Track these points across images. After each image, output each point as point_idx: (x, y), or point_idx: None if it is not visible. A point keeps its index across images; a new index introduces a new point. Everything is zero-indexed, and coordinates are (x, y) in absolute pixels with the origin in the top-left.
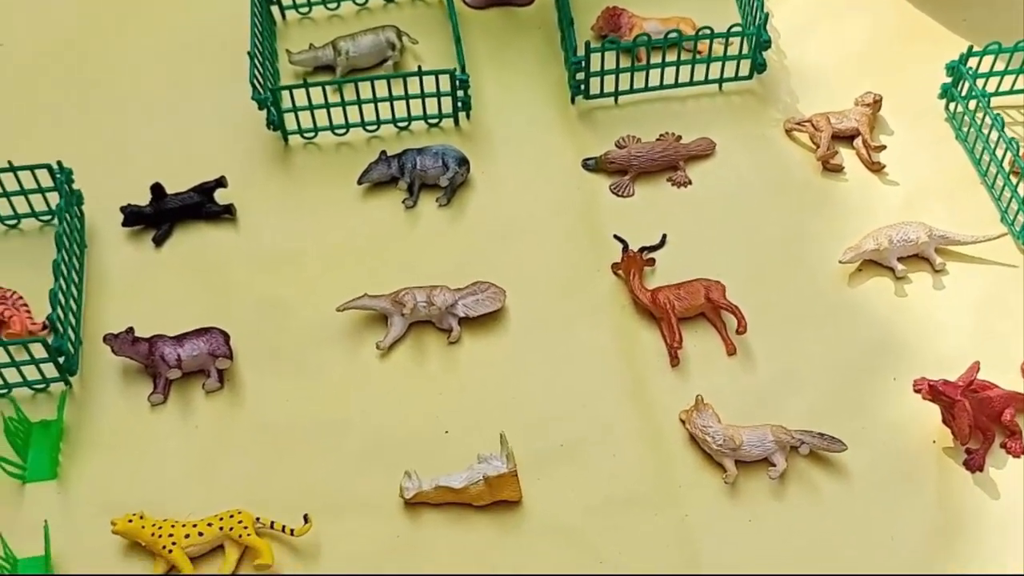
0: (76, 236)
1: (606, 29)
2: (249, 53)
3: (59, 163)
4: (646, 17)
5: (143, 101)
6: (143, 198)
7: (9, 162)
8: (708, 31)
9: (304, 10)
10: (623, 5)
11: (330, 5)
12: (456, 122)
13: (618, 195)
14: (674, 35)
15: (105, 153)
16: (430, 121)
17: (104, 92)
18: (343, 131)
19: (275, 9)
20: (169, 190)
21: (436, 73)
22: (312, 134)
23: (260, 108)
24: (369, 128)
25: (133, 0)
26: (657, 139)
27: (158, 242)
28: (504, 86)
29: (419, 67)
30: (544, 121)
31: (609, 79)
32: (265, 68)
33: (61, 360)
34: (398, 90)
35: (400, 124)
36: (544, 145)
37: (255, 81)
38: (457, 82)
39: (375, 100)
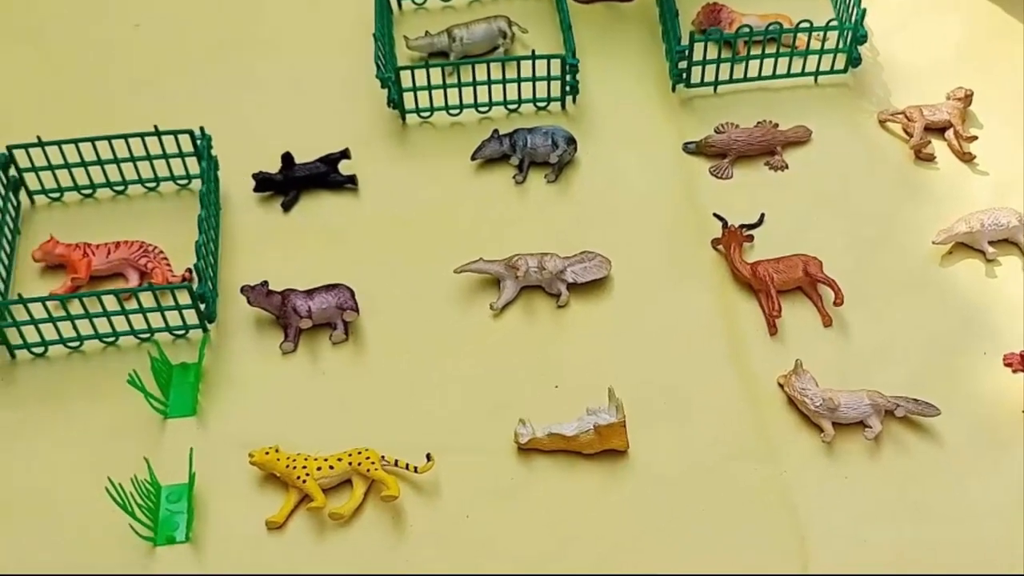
0: (214, 198)
1: (706, 24)
2: (374, 35)
3: (201, 129)
4: (745, 13)
5: (274, 78)
6: (271, 166)
7: (155, 126)
8: (808, 23)
9: (420, 1)
10: (722, 1)
11: None
12: (563, 106)
13: (717, 177)
14: (775, 27)
15: (238, 124)
16: (539, 104)
17: (237, 69)
18: (457, 111)
19: (393, 1)
20: (296, 160)
21: (548, 58)
22: (428, 113)
23: (383, 87)
24: (481, 109)
25: None
26: (755, 125)
27: (286, 207)
28: (607, 74)
29: (533, 51)
30: (646, 107)
31: (709, 69)
32: (387, 51)
33: (202, 307)
34: (510, 74)
35: (510, 106)
36: (646, 129)
37: (379, 62)
38: (567, 67)
39: (489, 83)
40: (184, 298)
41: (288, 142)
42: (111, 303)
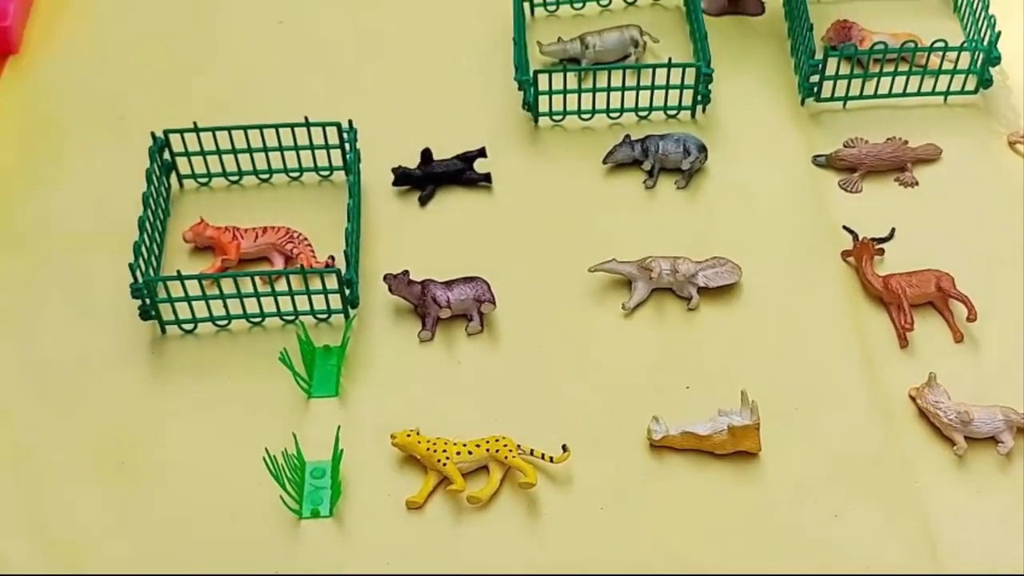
0: (356, 185)
1: (836, 40)
2: (514, 39)
3: (349, 122)
4: (875, 31)
5: (414, 76)
6: (410, 161)
7: (305, 117)
8: (943, 43)
9: (552, 8)
10: (853, 19)
11: (576, 5)
12: (693, 114)
13: (847, 191)
14: (910, 45)
15: (378, 119)
16: (668, 112)
17: (379, 66)
18: (588, 116)
19: (526, 6)
20: (434, 156)
21: (684, 66)
22: (560, 117)
23: (519, 89)
24: (612, 115)
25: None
26: (885, 141)
27: (423, 202)
28: (736, 84)
29: (669, 59)
30: (775, 119)
31: (840, 84)
32: (523, 53)
33: (348, 292)
34: (644, 81)
35: (641, 113)
36: (775, 140)
37: (518, 64)
38: (701, 76)
39: (623, 89)
40: (331, 283)
41: (426, 138)
42: (260, 284)
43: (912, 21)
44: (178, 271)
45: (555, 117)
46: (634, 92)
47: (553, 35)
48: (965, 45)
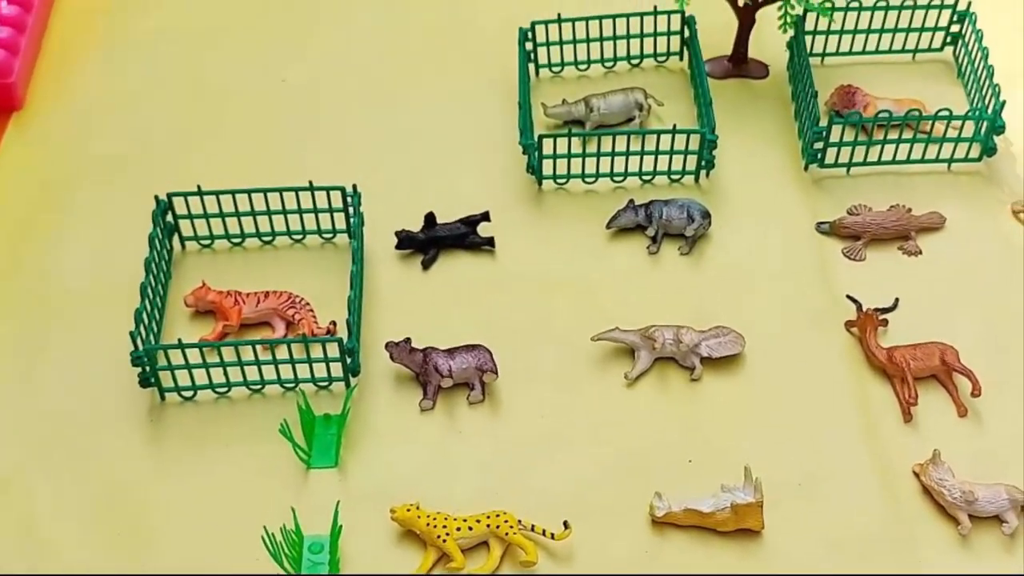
0: (359, 254)
1: (839, 105)
2: (519, 102)
3: (354, 186)
4: (880, 97)
5: (419, 137)
6: (412, 223)
7: (310, 181)
8: (947, 112)
9: (557, 69)
10: (857, 84)
11: (580, 66)
12: (696, 179)
13: (851, 259)
14: (915, 113)
15: (382, 181)
16: (672, 176)
17: (384, 127)
18: (592, 179)
19: (531, 67)
20: (438, 219)
21: (688, 132)
22: (564, 180)
23: (524, 153)
24: (616, 179)
25: (412, 49)
26: (889, 209)
27: (426, 265)
28: (740, 149)
29: (674, 125)
30: (778, 184)
31: (843, 150)
32: (527, 117)
33: (349, 361)
34: (649, 146)
35: (645, 177)
36: (778, 206)
37: (523, 128)
38: (706, 142)
39: (627, 153)
40: (332, 351)
41: (430, 199)
42: (261, 352)
43: (916, 85)
44: (179, 339)
45: (559, 180)
46: (638, 157)
47: (558, 96)
48: (970, 114)
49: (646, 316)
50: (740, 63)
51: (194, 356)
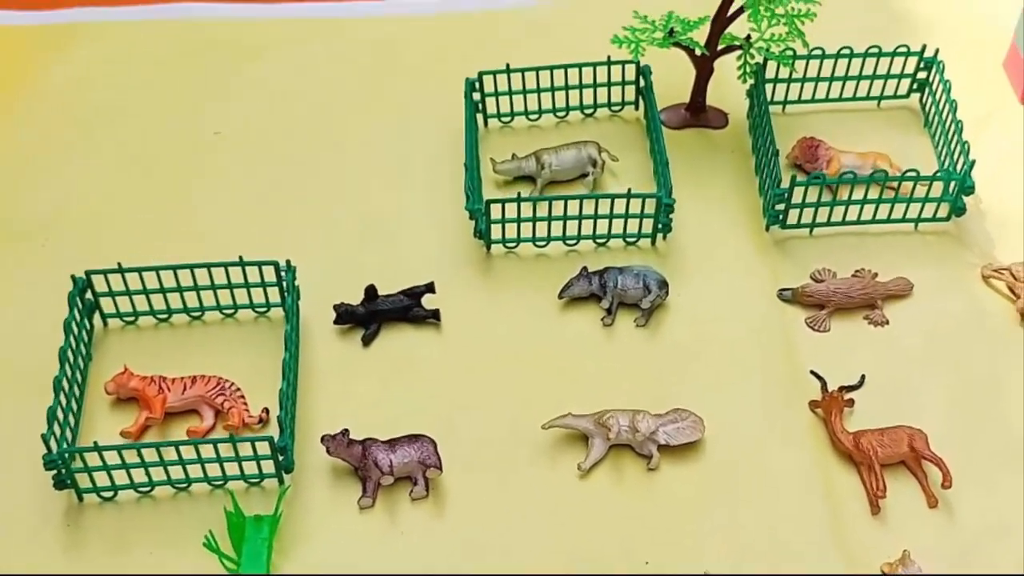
0: (294, 335)
1: (802, 159)
2: (465, 165)
3: (287, 262)
4: (843, 150)
5: (358, 201)
6: (350, 296)
7: (240, 257)
8: (915, 173)
9: (506, 119)
10: (819, 137)
11: (531, 116)
12: (653, 242)
13: (815, 329)
14: (880, 174)
15: (319, 248)
16: (628, 239)
17: (320, 189)
18: (544, 244)
19: (479, 117)
20: (379, 291)
21: (644, 196)
22: (514, 244)
23: (471, 218)
24: (569, 242)
25: (353, 101)
26: (854, 274)
27: (367, 341)
28: (698, 206)
29: (629, 189)
30: (738, 246)
31: (806, 211)
32: (475, 179)
33: (281, 458)
34: (603, 208)
35: (599, 240)
36: (738, 270)
37: (469, 192)
38: (663, 206)
39: (580, 217)
40: (263, 448)
41: (371, 265)
42: (187, 450)
43: (881, 134)
44: (95, 442)
45: (508, 244)
46: (592, 220)
47: (508, 148)
48: (939, 174)
49: (600, 394)
50: (698, 112)
51: (114, 458)
